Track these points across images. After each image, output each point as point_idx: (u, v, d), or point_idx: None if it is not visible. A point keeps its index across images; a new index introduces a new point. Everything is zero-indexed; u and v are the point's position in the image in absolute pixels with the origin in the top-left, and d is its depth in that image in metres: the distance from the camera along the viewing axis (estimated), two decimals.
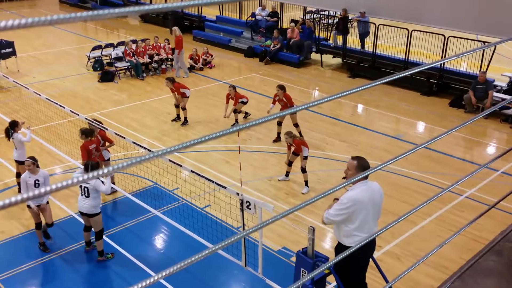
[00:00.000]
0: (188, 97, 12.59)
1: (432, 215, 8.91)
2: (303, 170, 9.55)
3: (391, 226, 2.80)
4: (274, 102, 11.63)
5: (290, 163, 9.88)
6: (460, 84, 14.64)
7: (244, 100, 12.47)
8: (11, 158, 9.51)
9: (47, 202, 7.84)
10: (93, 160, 8.41)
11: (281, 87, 11.46)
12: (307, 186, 9.67)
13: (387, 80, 2.39)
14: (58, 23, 1.27)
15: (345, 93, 2.15)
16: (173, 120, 12.85)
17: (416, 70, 2.57)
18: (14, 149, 9.08)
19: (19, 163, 9.11)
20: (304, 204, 2.17)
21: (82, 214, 7.52)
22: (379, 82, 2.33)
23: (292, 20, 19.42)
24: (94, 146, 8.77)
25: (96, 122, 9.13)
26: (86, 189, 7.24)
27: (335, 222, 5.11)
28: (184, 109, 12.60)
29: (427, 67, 2.72)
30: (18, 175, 9.32)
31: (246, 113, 12.97)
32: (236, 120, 12.59)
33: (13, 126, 8.89)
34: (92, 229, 7.68)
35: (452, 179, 10.05)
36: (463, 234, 8.08)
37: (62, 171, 10.42)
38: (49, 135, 11.68)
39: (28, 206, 7.68)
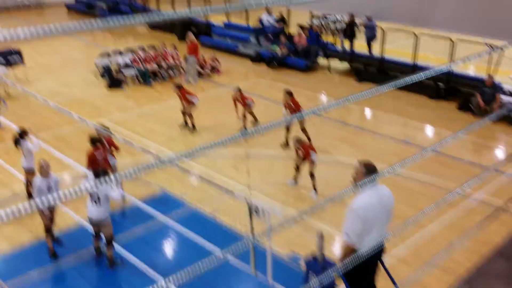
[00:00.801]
0: (195, 104, 12.63)
1: (440, 219, 8.86)
2: (311, 175, 9.54)
3: (400, 231, 2.80)
4: (286, 107, 11.65)
5: (297, 168, 9.88)
6: (468, 88, 14.58)
7: (251, 103, 12.53)
8: (20, 166, 9.58)
9: None
10: (100, 167, 8.48)
11: (288, 93, 11.48)
12: (316, 191, 9.66)
13: (396, 85, 2.40)
14: (66, 32, 1.30)
15: (354, 98, 2.16)
16: (181, 126, 12.89)
17: (424, 76, 2.58)
18: (23, 157, 9.15)
19: (28, 170, 9.17)
20: (312, 209, 2.18)
21: (91, 221, 7.55)
22: (388, 87, 2.34)
23: (299, 26, 19.46)
24: (101, 153, 8.82)
25: (104, 128, 9.18)
26: (97, 196, 7.27)
27: (357, 232, 5.02)
28: (190, 116, 12.64)
29: (436, 72, 2.72)
30: (27, 183, 9.39)
31: (255, 119, 13.00)
32: (244, 126, 12.62)
33: (21, 134, 8.97)
34: (102, 236, 7.71)
35: (460, 182, 9.99)
36: (471, 237, 8.03)
37: (71, 177, 10.48)
38: (57, 142, 11.76)
39: (41, 211, 7.72)
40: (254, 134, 1.70)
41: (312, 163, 9.50)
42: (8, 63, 16.16)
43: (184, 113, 12.76)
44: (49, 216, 7.84)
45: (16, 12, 28.41)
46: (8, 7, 28.67)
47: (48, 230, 7.89)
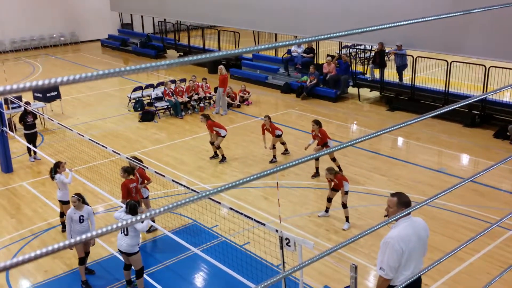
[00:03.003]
0: (224, 136, 12.65)
1: (480, 251, 8.53)
2: (344, 206, 9.38)
3: (438, 264, 2.69)
4: (314, 138, 11.62)
5: (329, 199, 9.74)
6: (504, 115, 14.24)
7: (279, 132, 12.49)
8: (55, 198, 9.76)
9: None
10: (133, 199, 8.56)
11: (317, 123, 11.44)
12: (348, 222, 9.48)
13: (435, 113, 2.34)
14: (101, 78, 1.33)
15: (389, 129, 2.11)
16: (211, 158, 12.95)
17: (462, 104, 2.51)
18: (58, 189, 9.34)
19: (63, 203, 9.34)
20: (346, 242, 2.11)
21: (121, 252, 7.61)
22: (425, 117, 2.29)
23: (328, 55, 19.53)
24: (135, 185, 8.93)
25: (136, 161, 9.30)
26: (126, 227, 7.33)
27: (393, 265, 4.87)
28: (218, 147, 12.65)
29: (473, 100, 2.65)
30: (62, 214, 9.55)
31: (286, 150, 12.96)
32: (274, 156, 12.58)
33: (56, 167, 9.19)
34: (132, 267, 7.72)
35: (499, 213, 9.65)
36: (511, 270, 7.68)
37: (104, 210, 10.60)
38: (91, 175, 11.95)
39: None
40: (286, 168, 1.67)
41: (345, 194, 9.36)
42: (46, 99, 16.69)
43: (212, 143, 12.81)
44: (83, 248, 7.93)
45: (53, 50, 29.50)
46: (46, 45, 29.80)
47: (82, 261, 7.97)
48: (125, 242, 7.40)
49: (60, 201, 9.42)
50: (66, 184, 9.25)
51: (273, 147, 12.52)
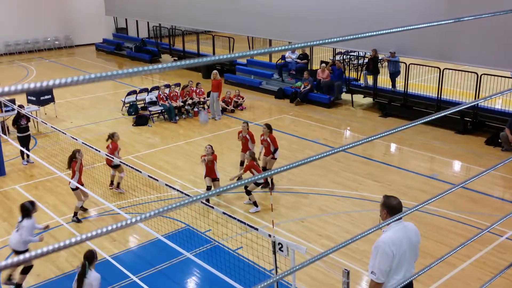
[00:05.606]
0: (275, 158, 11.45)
1: (471, 257, 8.59)
2: (248, 193, 10.29)
3: (429, 269, 2.72)
4: (262, 142, 11.27)
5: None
6: (496, 122, 14.36)
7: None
8: (48, 202, 9.72)
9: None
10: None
11: (268, 127, 11.16)
12: (256, 206, 10.27)
13: (426, 120, 2.38)
14: (95, 81, 1.35)
15: (382, 134, 2.14)
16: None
17: (453, 110, 2.55)
18: (15, 232, 7.91)
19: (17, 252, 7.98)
20: (338, 247, 2.14)
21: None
22: (417, 123, 2.33)
23: (322, 62, 19.62)
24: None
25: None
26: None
27: (384, 269, 4.90)
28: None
29: (464, 107, 2.69)
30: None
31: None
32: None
33: (30, 209, 7.96)
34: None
35: (491, 219, 9.72)
36: (504, 276, 7.75)
37: (97, 213, 10.57)
38: (85, 179, 11.86)
39: None
40: (277, 173, 1.70)
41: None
42: (40, 102, 16.64)
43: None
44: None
45: (47, 54, 29.43)
46: (41, 49, 29.73)
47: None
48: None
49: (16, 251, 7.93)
50: (32, 229, 7.97)
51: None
